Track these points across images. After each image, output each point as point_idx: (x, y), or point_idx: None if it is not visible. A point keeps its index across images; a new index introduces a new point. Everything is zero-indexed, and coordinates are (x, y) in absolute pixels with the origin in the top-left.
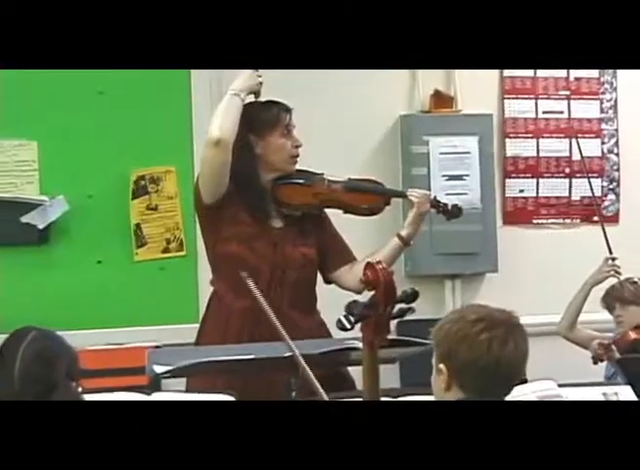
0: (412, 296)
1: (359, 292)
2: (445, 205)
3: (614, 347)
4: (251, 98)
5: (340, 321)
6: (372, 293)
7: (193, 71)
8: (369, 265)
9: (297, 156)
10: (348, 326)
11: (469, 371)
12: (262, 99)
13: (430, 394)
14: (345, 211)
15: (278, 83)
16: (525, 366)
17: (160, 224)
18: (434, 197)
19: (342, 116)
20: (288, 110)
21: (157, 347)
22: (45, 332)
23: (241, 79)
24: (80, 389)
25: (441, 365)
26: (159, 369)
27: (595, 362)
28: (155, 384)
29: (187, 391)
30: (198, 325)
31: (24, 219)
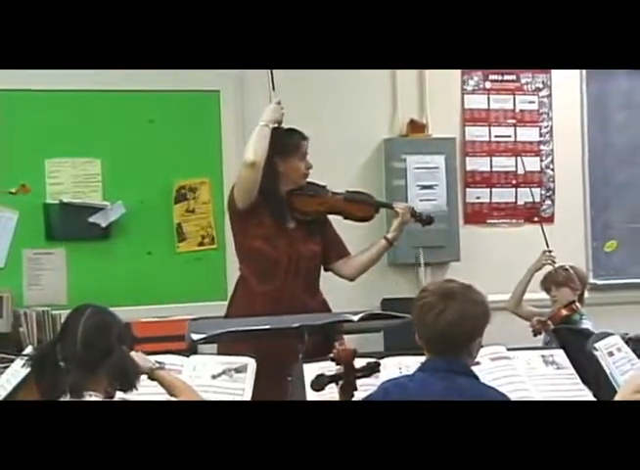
0: (373, 367)
1: (352, 279)
2: (421, 214)
3: (549, 322)
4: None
5: (312, 383)
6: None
7: (222, 105)
8: (337, 347)
9: (309, 174)
10: (317, 388)
11: (417, 331)
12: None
13: (406, 355)
14: (345, 218)
15: (296, 115)
16: (457, 331)
17: (196, 224)
18: (413, 208)
19: (340, 139)
20: (305, 138)
21: (193, 319)
22: (100, 308)
23: (268, 112)
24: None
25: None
26: (195, 337)
27: (535, 335)
28: (192, 348)
29: (218, 354)
30: (226, 302)
31: (91, 220)
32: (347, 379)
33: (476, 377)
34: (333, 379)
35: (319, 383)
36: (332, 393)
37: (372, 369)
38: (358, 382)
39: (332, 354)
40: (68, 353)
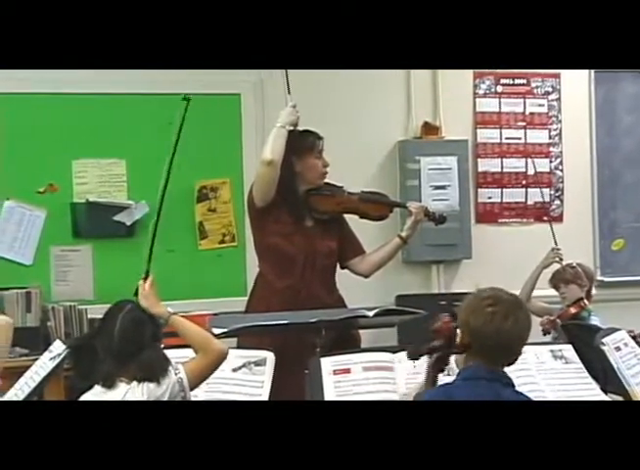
0: (466, 346)
1: (367, 276)
2: (434, 213)
3: (558, 320)
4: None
5: (409, 352)
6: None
7: (242, 108)
8: (441, 320)
9: (326, 173)
10: (413, 357)
11: (476, 337)
12: (300, 128)
13: None
14: (360, 217)
15: (313, 118)
16: (524, 340)
17: (217, 222)
18: (426, 208)
19: (357, 141)
20: (320, 138)
21: (214, 314)
22: (139, 304)
23: (284, 115)
24: (162, 346)
25: (458, 330)
26: (216, 331)
27: (544, 334)
28: None
29: (238, 348)
30: (245, 298)
31: (116, 218)
32: (444, 353)
33: (512, 384)
34: (430, 351)
35: (416, 353)
36: (356, 394)
37: (465, 348)
38: (368, 377)
39: (434, 327)
40: (104, 345)
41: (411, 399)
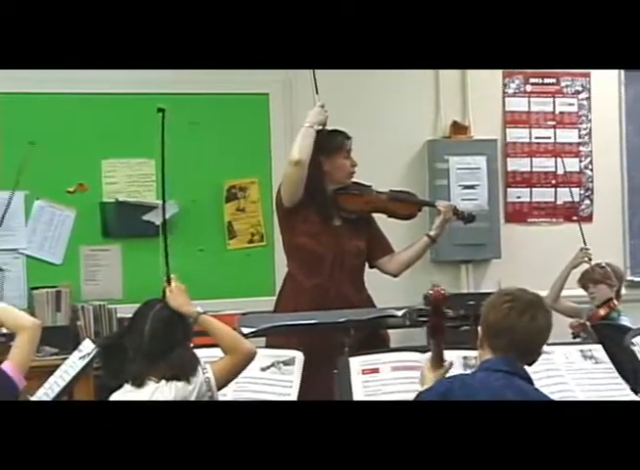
0: (463, 318)
1: (396, 275)
2: (463, 212)
3: (588, 322)
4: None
5: (405, 319)
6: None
7: (271, 108)
8: (432, 287)
9: (354, 173)
10: (409, 324)
11: (492, 332)
12: (328, 128)
13: (448, 349)
14: (389, 216)
15: (341, 117)
16: (541, 338)
17: (246, 222)
18: (455, 207)
19: (385, 141)
20: (349, 137)
21: (243, 314)
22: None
23: (312, 115)
24: (192, 345)
25: (479, 328)
26: (245, 330)
27: (574, 337)
28: None
29: (266, 347)
30: (274, 298)
31: (145, 218)
32: (434, 320)
33: (531, 381)
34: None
35: (411, 319)
36: (384, 393)
37: (462, 320)
38: (397, 376)
39: (426, 293)
40: (134, 344)
41: (422, 376)
